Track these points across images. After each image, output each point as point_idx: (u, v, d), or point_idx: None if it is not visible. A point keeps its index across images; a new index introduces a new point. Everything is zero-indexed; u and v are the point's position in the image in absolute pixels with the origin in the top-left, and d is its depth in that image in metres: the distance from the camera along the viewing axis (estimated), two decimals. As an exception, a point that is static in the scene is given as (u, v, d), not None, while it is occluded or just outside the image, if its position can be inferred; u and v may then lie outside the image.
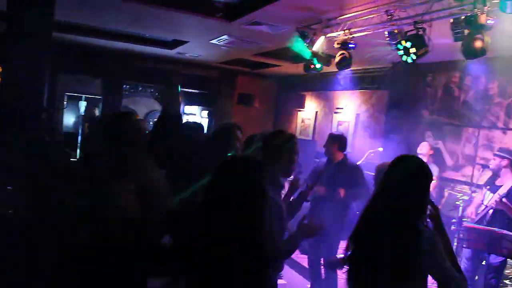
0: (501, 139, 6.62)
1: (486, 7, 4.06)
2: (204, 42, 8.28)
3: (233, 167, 2.14)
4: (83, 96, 12.81)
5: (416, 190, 2.35)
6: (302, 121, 11.79)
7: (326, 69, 6.96)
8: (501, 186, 5.03)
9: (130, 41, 9.08)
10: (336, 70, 6.35)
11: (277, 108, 12.79)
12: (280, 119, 12.64)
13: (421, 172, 2.39)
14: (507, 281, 5.45)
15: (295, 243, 2.71)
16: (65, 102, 12.49)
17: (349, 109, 9.97)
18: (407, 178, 2.35)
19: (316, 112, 11.26)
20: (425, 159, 6.17)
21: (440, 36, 4.81)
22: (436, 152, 7.54)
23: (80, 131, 12.65)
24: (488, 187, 5.19)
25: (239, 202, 2.02)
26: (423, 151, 6.49)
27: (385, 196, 2.38)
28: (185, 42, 8.64)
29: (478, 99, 6.90)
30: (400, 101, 8.17)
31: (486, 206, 5.10)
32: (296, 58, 6.94)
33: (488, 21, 4.09)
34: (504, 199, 4.83)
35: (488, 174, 5.41)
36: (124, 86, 12.43)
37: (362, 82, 9.08)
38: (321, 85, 10.10)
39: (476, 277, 5.36)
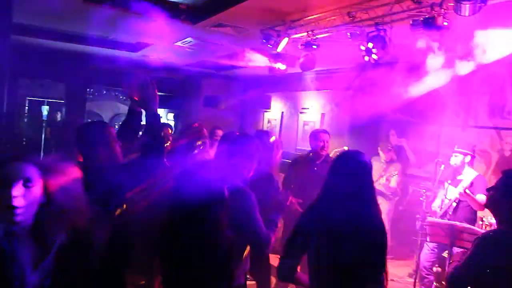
0: (461, 136, 6.82)
1: (442, 10, 4.20)
2: (168, 45, 8.23)
3: (195, 173, 2.16)
4: (46, 100, 12.55)
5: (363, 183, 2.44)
6: (269, 121, 11.86)
7: (291, 70, 7.04)
8: (461, 180, 5.21)
9: (93, 44, 8.93)
10: (301, 70, 6.43)
11: (243, 109, 12.81)
12: (246, 120, 12.67)
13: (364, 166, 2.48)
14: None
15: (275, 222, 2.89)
16: (26, 107, 12.21)
17: (314, 109, 10.08)
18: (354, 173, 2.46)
19: (282, 112, 11.34)
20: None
21: (401, 37, 4.94)
22: (400, 149, 7.72)
23: (42, 136, 12.38)
24: (449, 181, 5.36)
25: (200, 206, 2.05)
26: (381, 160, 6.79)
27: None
28: (149, 44, 8.57)
29: (438, 97, 7.09)
30: (364, 100, 8.31)
31: (450, 200, 5.26)
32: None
33: (445, 23, 4.23)
34: (467, 190, 5.00)
35: (449, 169, 5.57)
36: (88, 89, 12.23)
37: (327, 82, 9.20)
38: (287, 85, 10.19)
39: (439, 268, 5.54)
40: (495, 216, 2.79)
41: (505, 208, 2.62)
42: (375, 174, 6.69)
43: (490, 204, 2.77)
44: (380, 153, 6.77)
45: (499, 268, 2.44)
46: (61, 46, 9.30)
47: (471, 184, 5.15)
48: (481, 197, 4.98)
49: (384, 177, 6.92)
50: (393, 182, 6.94)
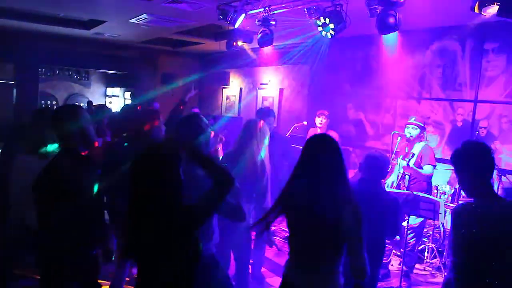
0: (416, 108, 7.02)
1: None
2: (122, 22, 8.03)
3: (149, 163, 2.18)
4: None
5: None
6: (227, 98, 11.82)
7: (249, 46, 7.02)
8: (412, 153, 5.37)
9: (43, 22, 8.61)
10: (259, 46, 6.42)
11: (202, 86, 12.69)
12: (205, 97, 12.58)
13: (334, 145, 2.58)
14: (425, 239, 5.85)
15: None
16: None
17: (273, 85, 10.11)
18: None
19: (241, 88, 11.32)
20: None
21: (357, 12, 4.98)
22: (358, 122, 7.89)
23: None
24: (402, 157, 5.50)
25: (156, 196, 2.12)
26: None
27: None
28: (103, 21, 8.33)
29: (394, 71, 7.25)
30: (322, 75, 8.40)
31: (403, 173, 5.41)
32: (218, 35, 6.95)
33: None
34: (411, 163, 5.17)
35: (402, 142, 5.70)
36: (40, 69, 11.83)
37: (285, 57, 9.21)
38: (245, 61, 10.14)
39: (398, 237, 5.72)
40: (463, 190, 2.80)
41: (464, 184, 2.66)
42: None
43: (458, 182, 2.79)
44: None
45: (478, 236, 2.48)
46: (10, 24, 8.92)
47: (420, 156, 5.30)
48: (428, 168, 5.17)
49: None
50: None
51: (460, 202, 5.47)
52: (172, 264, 2.15)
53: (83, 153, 2.88)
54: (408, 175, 5.35)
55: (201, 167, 2.36)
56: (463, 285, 2.53)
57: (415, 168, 5.18)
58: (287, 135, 7.02)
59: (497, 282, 2.41)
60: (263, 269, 5.33)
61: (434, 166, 5.25)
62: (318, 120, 6.98)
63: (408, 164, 5.20)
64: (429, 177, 5.26)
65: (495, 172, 5.40)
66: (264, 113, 5.50)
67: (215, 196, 2.30)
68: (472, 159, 2.60)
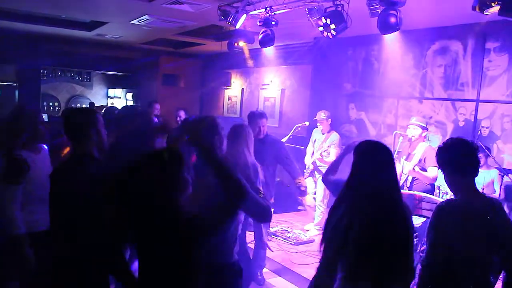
0: (418, 108, 7.01)
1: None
2: (124, 23, 8.04)
3: (152, 163, 2.12)
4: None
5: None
6: (229, 98, 11.82)
7: (250, 46, 7.02)
8: (414, 154, 5.33)
9: (45, 24, 8.63)
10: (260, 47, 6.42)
11: (203, 87, 12.70)
12: (206, 98, 12.59)
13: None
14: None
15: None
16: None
17: (274, 85, 10.11)
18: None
19: (242, 89, 11.32)
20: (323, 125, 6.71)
21: (358, 12, 4.98)
22: (360, 122, 7.88)
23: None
24: (404, 156, 5.47)
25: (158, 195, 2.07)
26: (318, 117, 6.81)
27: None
28: (105, 23, 8.35)
29: (395, 70, 7.24)
30: (323, 75, 8.40)
31: (406, 174, 5.38)
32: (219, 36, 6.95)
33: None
34: (416, 167, 5.13)
35: (404, 144, 5.67)
36: (42, 71, 11.86)
37: (286, 57, 9.22)
38: (247, 62, 10.15)
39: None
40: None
41: (446, 180, 2.76)
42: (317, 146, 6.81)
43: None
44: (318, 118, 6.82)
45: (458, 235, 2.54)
46: (11, 26, 8.94)
47: (423, 158, 5.26)
48: (432, 170, 5.13)
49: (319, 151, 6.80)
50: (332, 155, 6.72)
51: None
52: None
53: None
54: (412, 177, 5.32)
55: (213, 172, 2.17)
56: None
57: (421, 172, 5.15)
58: (289, 135, 7.00)
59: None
60: (265, 269, 5.33)
61: (438, 167, 5.21)
62: (320, 127, 6.88)
63: (414, 169, 5.16)
64: (434, 179, 5.22)
65: (497, 171, 5.43)
66: (256, 116, 5.37)
67: (226, 210, 2.18)
68: (454, 156, 2.66)
